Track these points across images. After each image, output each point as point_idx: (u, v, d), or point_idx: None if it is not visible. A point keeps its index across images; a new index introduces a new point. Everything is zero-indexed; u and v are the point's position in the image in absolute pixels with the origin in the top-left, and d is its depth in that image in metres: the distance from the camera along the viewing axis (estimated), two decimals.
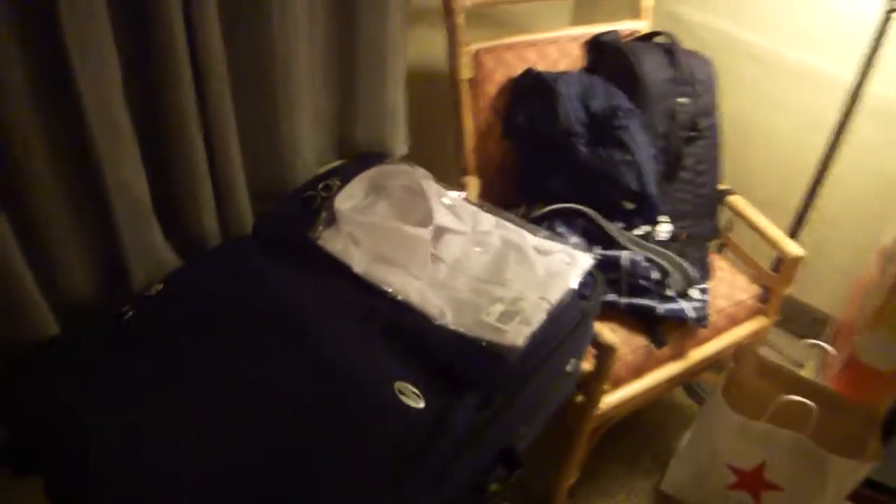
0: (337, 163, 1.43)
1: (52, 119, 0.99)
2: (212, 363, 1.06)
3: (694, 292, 1.58)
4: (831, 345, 1.90)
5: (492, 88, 1.67)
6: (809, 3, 1.85)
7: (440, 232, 1.25)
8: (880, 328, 1.65)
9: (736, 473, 1.63)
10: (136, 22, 1.03)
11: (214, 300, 1.14)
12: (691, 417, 1.95)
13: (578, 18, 2.17)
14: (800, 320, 2.18)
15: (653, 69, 1.64)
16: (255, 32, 1.17)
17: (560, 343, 1.16)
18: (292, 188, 1.34)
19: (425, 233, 1.21)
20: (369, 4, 1.32)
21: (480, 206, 1.34)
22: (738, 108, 2.01)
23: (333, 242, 1.22)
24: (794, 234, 1.84)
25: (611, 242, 1.59)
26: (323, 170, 1.38)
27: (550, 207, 1.61)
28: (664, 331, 1.56)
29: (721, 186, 1.78)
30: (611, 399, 1.49)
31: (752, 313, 1.72)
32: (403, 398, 1.03)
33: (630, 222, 1.65)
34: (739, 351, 1.64)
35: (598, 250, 1.58)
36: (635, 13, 1.89)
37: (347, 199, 1.27)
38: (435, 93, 1.71)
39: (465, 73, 1.62)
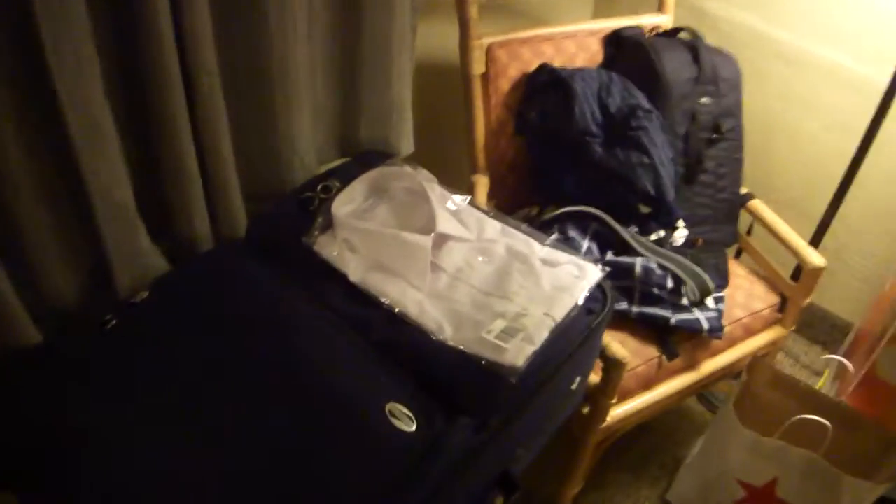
0: (338, 161, 1.35)
1: (29, 118, 0.92)
2: (193, 379, 0.99)
3: (709, 301, 1.49)
4: (850, 354, 1.80)
5: (505, 84, 1.58)
6: None
7: (442, 239, 1.17)
8: None
9: (746, 489, 1.55)
10: (119, 16, 0.96)
11: (200, 309, 1.07)
12: (702, 425, 1.87)
13: (599, 11, 2.06)
14: (818, 326, 2.08)
15: (675, 67, 1.54)
16: (250, 26, 1.09)
17: (564, 361, 1.09)
18: (290, 188, 1.26)
19: (426, 240, 1.13)
20: None
21: (486, 212, 1.26)
22: (763, 106, 1.90)
23: (329, 248, 1.15)
24: (816, 241, 1.74)
25: (624, 247, 1.51)
26: (323, 169, 1.30)
27: (562, 210, 1.53)
28: (676, 341, 1.47)
29: (742, 190, 1.68)
30: (618, 412, 1.42)
31: (769, 323, 1.63)
32: (394, 421, 0.95)
33: (645, 227, 1.56)
34: (754, 363, 1.56)
35: (611, 255, 1.50)
36: (658, 7, 1.78)
37: (346, 203, 1.20)
38: (446, 88, 1.62)
39: (478, 67, 1.53)
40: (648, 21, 1.75)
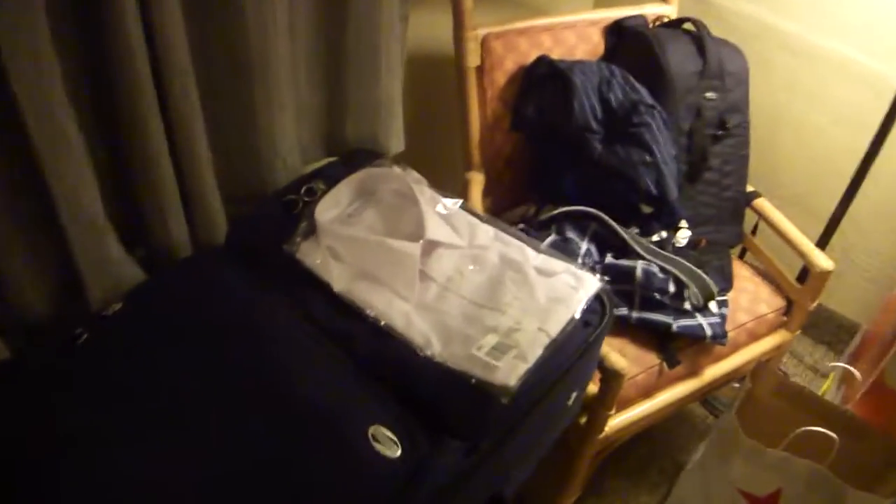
0: (325, 161, 1.26)
1: None
2: (166, 395, 0.92)
3: (712, 305, 1.42)
4: (857, 358, 1.73)
5: (501, 77, 1.49)
6: None
7: (432, 246, 1.10)
8: None
9: (748, 499, 1.48)
10: (83, 15, 0.88)
11: (176, 322, 0.99)
12: (703, 429, 1.81)
13: (601, 0, 1.97)
14: (823, 326, 2.01)
15: (679, 60, 1.46)
16: (225, 20, 1.00)
17: (560, 379, 1.01)
18: (273, 190, 1.18)
19: (414, 248, 1.06)
20: None
21: (479, 217, 1.18)
22: (770, 100, 1.81)
23: (312, 256, 1.07)
24: (823, 241, 1.66)
25: (624, 249, 1.43)
26: (308, 170, 1.22)
27: (560, 210, 1.45)
28: (678, 347, 1.40)
29: (747, 188, 1.60)
30: (616, 422, 1.35)
31: (774, 327, 1.56)
32: (377, 445, 0.88)
33: (646, 227, 1.48)
34: (758, 370, 1.48)
35: (610, 258, 1.42)
36: None
37: (331, 206, 1.12)
38: (439, 81, 1.54)
39: (472, 59, 1.44)
40: (652, 11, 1.67)
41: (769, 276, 1.59)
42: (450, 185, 1.47)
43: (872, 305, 1.86)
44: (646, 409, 1.39)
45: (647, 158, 1.40)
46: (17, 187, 0.91)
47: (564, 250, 1.40)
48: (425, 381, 0.96)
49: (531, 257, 1.12)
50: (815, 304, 1.52)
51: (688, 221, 1.51)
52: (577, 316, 1.03)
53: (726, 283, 1.51)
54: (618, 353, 1.24)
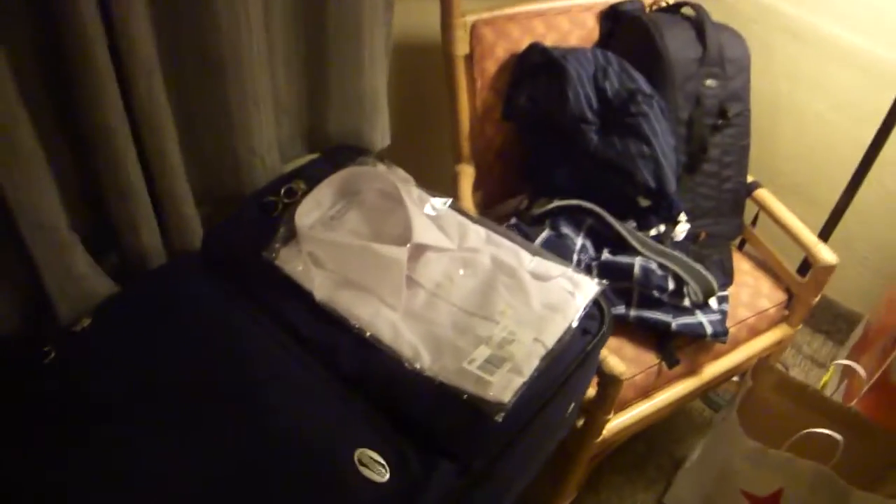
0: (306, 158, 1.18)
1: None
2: (136, 423, 0.85)
3: (712, 302, 1.35)
4: (859, 351, 1.68)
5: (492, 65, 1.41)
6: None
7: (419, 250, 1.02)
8: None
9: (749, 498, 1.43)
10: (36, 11, 0.79)
11: (148, 338, 0.92)
12: (702, 424, 1.75)
13: None
14: (822, 316, 1.95)
15: (677, 47, 1.38)
16: (194, 13, 0.92)
17: (557, 391, 0.95)
18: (251, 191, 1.10)
19: (401, 252, 0.99)
20: None
21: (470, 217, 1.11)
22: (771, 87, 1.74)
23: (293, 263, 1.00)
24: (826, 233, 1.59)
25: (621, 244, 1.36)
26: (289, 168, 1.14)
27: (555, 204, 1.38)
28: (677, 345, 1.34)
29: (748, 179, 1.53)
30: (614, 424, 1.29)
31: (775, 322, 1.49)
32: (364, 470, 0.82)
33: (644, 221, 1.41)
34: (759, 367, 1.43)
35: (607, 254, 1.35)
36: None
37: (312, 209, 1.04)
38: (427, 71, 1.46)
39: (461, 47, 1.36)
40: None
41: (769, 267, 1.53)
42: (438, 178, 1.40)
43: (873, 296, 1.80)
44: (644, 409, 1.33)
45: (646, 150, 1.33)
46: None
47: (559, 247, 1.33)
48: (414, 398, 0.89)
49: (525, 261, 1.05)
50: (817, 299, 1.46)
51: (687, 214, 1.44)
52: (575, 325, 0.96)
53: (727, 277, 1.45)
54: (615, 353, 1.18)
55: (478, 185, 1.48)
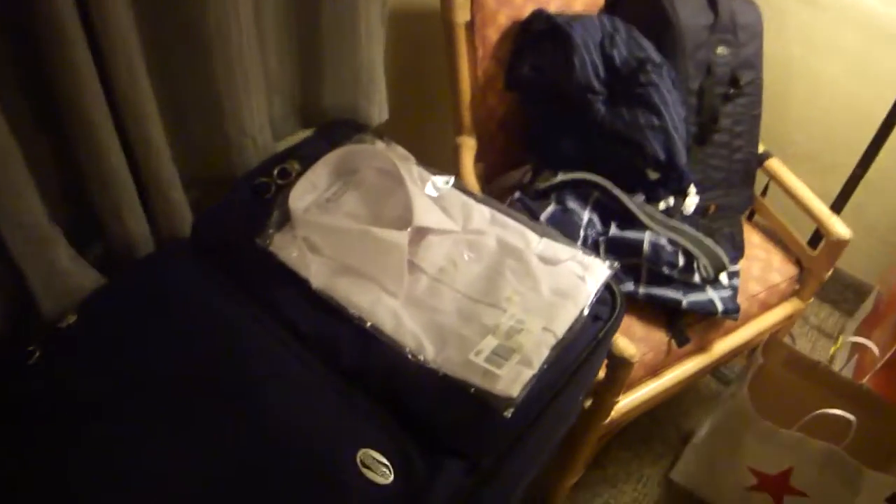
0: (300, 135, 1.11)
1: None
2: (128, 423, 0.80)
3: (723, 277, 1.29)
4: (869, 326, 1.63)
5: (494, 33, 1.33)
6: None
7: (421, 233, 0.96)
8: None
9: (757, 476, 1.39)
10: None
11: (136, 333, 0.86)
12: (709, 397, 1.71)
13: None
14: (829, 285, 1.88)
15: (689, 13, 1.30)
16: None
17: (567, 382, 0.89)
18: (242, 172, 1.04)
19: (401, 237, 0.92)
20: None
21: (474, 196, 1.04)
22: (783, 52, 1.65)
23: (288, 249, 0.93)
24: (839, 205, 1.53)
25: (629, 218, 1.30)
26: (282, 146, 1.07)
27: (560, 178, 1.31)
28: (687, 322, 1.29)
29: (759, 149, 1.46)
30: (623, 404, 1.24)
31: (786, 296, 1.44)
32: (367, 472, 0.77)
33: (653, 194, 1.34)
34: (769, 344, 1.38)
35: (615, 229, 1.29)
36: None
37: (307, 191, 0.98)
38: (426, 39, 1.38)
39: (461, 14, 1.28)
40: None
41: (779, 239, 1.47)
42: (439, 150, 1.33)
43: (883, 266, 1.75)
44: (653, 388, 1.28)
45: (655, 122, 1.26)
46: None
47: (565, 222, 1.27)
48: (417, 391, 0.84)
49: (533, 243, 0.98)
50: (829, 273, 1.40)
51: (696, 186, 1.37)
52: (587, 312, 0.90)
53: (737, 251, 1.39)
54: (624, 333, 1.13)
55: (479, 157, 1.41)
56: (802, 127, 1.73)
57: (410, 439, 0.81)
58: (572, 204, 1.31)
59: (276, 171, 1.01)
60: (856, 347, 1.58)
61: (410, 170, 1.01)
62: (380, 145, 1.04)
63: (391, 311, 0.90)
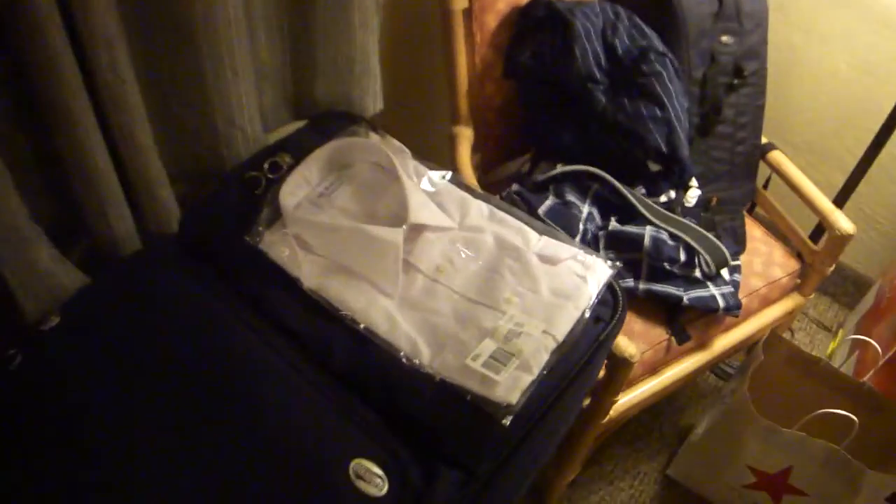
0: (292, 126, 1.07)
1: None
2: (110, 430, 0.77)
3: (724, 272, 1.27)
4: (870, 322, 1.60)
5: (492, 20, 1.29)
6: None
7: (417, 230, 0.93)
8: None
9: (756, 475, 1.37)
10: None
11: (120, 336, 0.82)
12: (707, 392, 1.68)
13: None
14: (829, 278, 1.86)
15: (692, 1, 1.26)
16: None
17: (567, 387, 0.86)
18: (231, 166, 0.99)
19: (396, 234, 0.89)
20: None
21: (471, 191, 1.01)
22: (785, 40, 1.61)
23: (279, 247, 0.90)
24: (842, 199, 1.50)
25: (629, 212, 1.27)
26: (273, 138, 1.03)
27: (559, 170, 1.27)
28: (687, 318, 1.26)
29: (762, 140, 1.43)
30: (622, 402, 1.22)
31: (788, 291, 1.41)
32: (360, 483, 0.74)
33: (654, 187, 1.31)
34: (770, 340, 1.35)
35: (615, 223, 1.26)
36: None
37: (299, 186, 0.94)
38: (422, 26, 1.34)
39: (459, 1, 1.24)
40: None
41: (781, 232, 1.44)
42: (435, 140, 1.29)
43: (884, 260, 1.72)
44: (652, 386, 1.26)
45: (658, 113, 1.22)
46: None
47: (564, 216, 1.23)
48: (413, 397, 0.81)
49: (532, 241, 0.95)
50: (832, 268, 1.37)
51: (698, 179, 1.34)
52: (588, 314, 0.87)
53: (739, 245, 1.36)
54: (624, 331, 1.09)
55: (476, 147, 1.37)
56: (803, 118, 1.70)
57: (406, 447, 0.78)
58: (571, 197, 1.27)
59: (266, 165, 0.97)
60: (857, 343, 1.55)
61: (406, 164, 0.98)
62: (375, 138, 1.00)
63: (386, 312, 0.87)
